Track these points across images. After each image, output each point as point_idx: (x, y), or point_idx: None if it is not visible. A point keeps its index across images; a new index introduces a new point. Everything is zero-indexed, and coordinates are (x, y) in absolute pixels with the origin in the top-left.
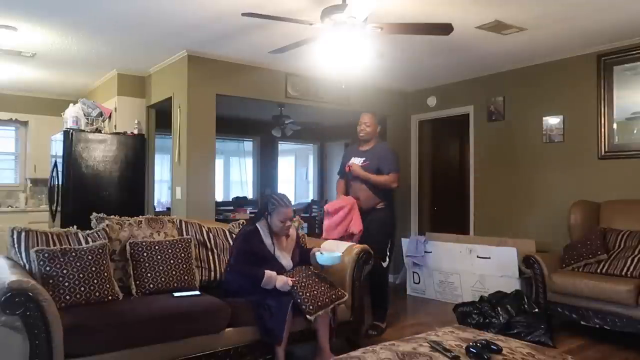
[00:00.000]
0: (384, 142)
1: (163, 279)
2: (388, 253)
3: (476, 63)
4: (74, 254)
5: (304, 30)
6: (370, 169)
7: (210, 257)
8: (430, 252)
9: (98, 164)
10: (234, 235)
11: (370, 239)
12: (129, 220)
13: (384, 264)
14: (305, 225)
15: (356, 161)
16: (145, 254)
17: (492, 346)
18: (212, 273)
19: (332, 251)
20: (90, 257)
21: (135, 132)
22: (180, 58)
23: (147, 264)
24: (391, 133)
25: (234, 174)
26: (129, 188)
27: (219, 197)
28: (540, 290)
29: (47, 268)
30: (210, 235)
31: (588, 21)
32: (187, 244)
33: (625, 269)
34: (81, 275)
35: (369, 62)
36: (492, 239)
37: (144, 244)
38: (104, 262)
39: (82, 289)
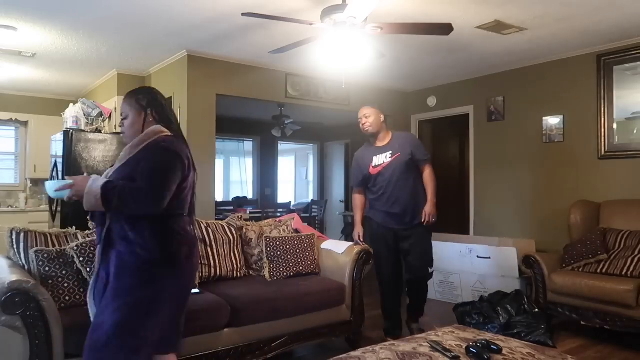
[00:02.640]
0: (402, 131)
1: None
2: None
3: (476, 63)
4: None
5: (304, 30)
6: (402, 160)
7: (210, 253)
8: None
9: (98, 164)
10: (233, 230)
11: (423, 252)
12: None
13: (431, 270)
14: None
15: (382, 159)
16: None
17: (492, 346)
18: (213, 269)
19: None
20: None
21: None
22: (180, 58)
23: None
24: None
25: (234, 174)
26: None
27: (219, 197)
28: (540, 290)
29: (47, 269)
30: (210, 230)
31: (588, 21)
32: None
33: (625, 269)
34: (80, 276)
35: (369, 62)
36: (492, 239)
37: None
38: None
39: (82, 289)
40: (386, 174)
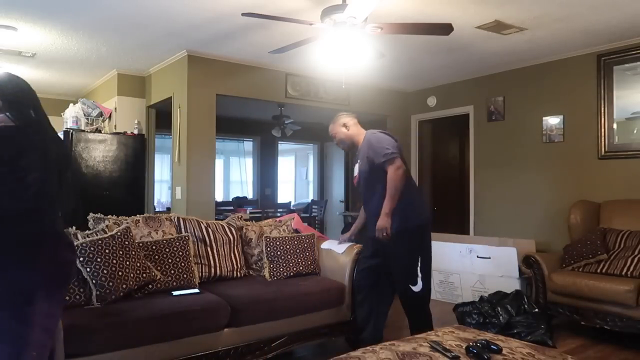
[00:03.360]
0: (371, 131)
1: (161, 279)
2: (420, 273)
3: (476, 63)
4: None
5: (304, 30)
6: (362, 169)
7: (210, 253)
8: None
9: (98, 164)
10: (233, 230)
11: (397, 264)
12: (126, 220)
13: (414, 289)
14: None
15: (356, 169)
16: (142, 254)
17: (492, 346)
18: (212, 269)
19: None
20: None
21: (135, 132)
22: (180, 58)
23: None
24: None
25: (234, 174)
26: (129, 188)
27: (219, 197)
28: (540, 290)
29: None
30: (210, 230)
31: (588, 21)
32: (185, 242)
33: (625, 269)
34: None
35: (369, 62)
36: (492, 239)
37: (141, 244)
38: None
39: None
40: (359, 184)
